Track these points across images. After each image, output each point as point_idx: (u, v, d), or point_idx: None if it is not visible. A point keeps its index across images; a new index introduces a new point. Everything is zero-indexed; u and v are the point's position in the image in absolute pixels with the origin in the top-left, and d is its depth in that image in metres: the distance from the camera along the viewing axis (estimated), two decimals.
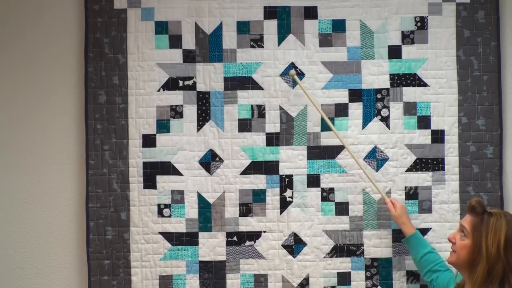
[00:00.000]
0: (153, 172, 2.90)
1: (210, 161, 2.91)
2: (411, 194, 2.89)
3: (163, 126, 2.91)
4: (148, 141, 2.91)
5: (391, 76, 2.91)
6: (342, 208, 2.90)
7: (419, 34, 2.91)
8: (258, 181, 2.91)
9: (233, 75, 2.92)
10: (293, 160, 2.90)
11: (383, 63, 2.91)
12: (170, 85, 2.92)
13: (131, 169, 2.90)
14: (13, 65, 2.97)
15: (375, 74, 2.91)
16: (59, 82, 2.96)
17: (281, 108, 2.91)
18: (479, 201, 2.31)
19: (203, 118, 2.91)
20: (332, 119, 2.90)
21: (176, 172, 2.90)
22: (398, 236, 2.88)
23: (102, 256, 2.88)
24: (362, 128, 2.91)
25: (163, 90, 2.92)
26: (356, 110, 2.91)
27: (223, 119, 2.91)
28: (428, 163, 2.89)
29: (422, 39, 2.91)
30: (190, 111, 2.92)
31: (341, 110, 2.91)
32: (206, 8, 2.92)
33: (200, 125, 2.91)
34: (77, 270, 2.95)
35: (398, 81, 2.91)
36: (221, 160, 2.91)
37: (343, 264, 2.89)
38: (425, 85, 2.91)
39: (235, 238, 2.90)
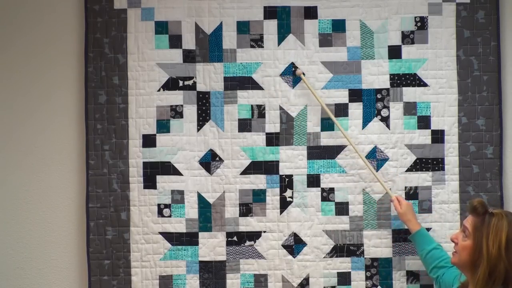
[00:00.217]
0: (153, 172, 2.90)
1: (210, 161, 2.91)
2: (411, 194, 2.89)
3: (163, 126, 2.91)
4: (148, 141, 2.91)
5: (391, 76, 2.91)
6: (342, 208, 2.90)
7: (419, 34, 2.91)
8: (258, 181, 2.91)
9: (233, 75, 2.92)
10: (293, 160, 2.90)
11: (383, 63, 2.91)
12: (170, 85, 2.92)
13: (131, 169, 2.90)
14: (13, 65, 2.97)
15: (375, 74, 2.91)
16: (59, 82, 2.96)
17: (281, 108, 2.91)
18: (481, 202, 2.30)
19: (203, 118, 2.91)
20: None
21: (176, 172, 2.90)
22: (398, 236, 2.88)
23: (102, 256, 2.89)
24: (362, 128, 2.91)
25: (163, 90, 2.92)
26: (356, 110, 2.91)
27: (223, 119, 2.91)
28: (428, 163, 2.89)
29: (422, 39, 2.91)
30: (190, 111, 2.92)
31: (341, 110, 2.91)
32: (206, 8, 2.92)
33: (200, 125, 2.91)
34: (77, 270, 2.95)
35: (398, 81, 2.91)
36: (221, 160, 2.91)
37: (343, 264, 2.89)
38: (425, 85, 2.91)
39: (235, 238, 2.90)
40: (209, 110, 2.92)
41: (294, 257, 2.90)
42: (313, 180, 2.90)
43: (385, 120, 2.91)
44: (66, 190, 2.95)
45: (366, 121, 2.91)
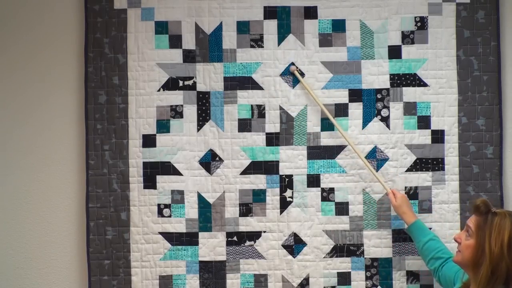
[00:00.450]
0: (153, 172, 2.90)
1: (210, 161, 2.91)
2: (411, 194, 2.89)
3: (163, 126, 2.91)
4: (148, 141, 2.91)
5: (391, 76, 2.91)
6: (342, 208, 2.90)
7: (419, 34, 2.91)
8: (258, 181, 2.91)
9: (233, 75, 2.92)
10: (293, 160, 2.90)
11: (383, 63, 2.91)
12: (170, 85, 2.92)
13: (131, 169, 2.90)
14: (13, 65, 2.97)
15: (375, 74, 2.91)
16: (59, 82, 2.96)
17: (281, 108, 2.92)
18: (484, 201, 2.30)
19: (203, 118, 2.91)
20: None
21: (176, 172, 2.90)
22: (398, 236, 2.88)
23: (102, 256, 2.89)
24: (362, 128, 2.91)
25: (163, 90, 2.92)
26: (356, 110, 2.91)
27: (223, 119, 2.91)
28: (428, 163, 2.89)
29: (422, 39, 2.91)
30: (190, 111, 2.92)
31: (341, 110, 2.91)
32: (206, 8, 2.92)
33: (200, 125, 2.91)
34: (77, 270, 2.95)
35: (398, 81, 2.91)
36: (221, 160, 2.91)
37: (343, 264, 2.89)
38: (425, 85, 2.91)
39: (235, 238, 2.90)
40: (209, 110, 2.92)
41: (294, 257, 2.90)
42: (313, 180, 2.90)
43: (385, 120, 2.91)
44: (66, 190, 2.95)
45: (366, 121, 2.91)
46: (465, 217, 2.81)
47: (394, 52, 2.91)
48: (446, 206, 2.88)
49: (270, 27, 2.92)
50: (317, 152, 2.91)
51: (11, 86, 2.97)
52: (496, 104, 2.89)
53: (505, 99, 2.92)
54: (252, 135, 2.91)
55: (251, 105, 2.92)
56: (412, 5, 2.91)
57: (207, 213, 2.90)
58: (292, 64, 2.90)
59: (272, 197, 2.90)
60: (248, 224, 2.90)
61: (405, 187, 2.89)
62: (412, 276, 2.88)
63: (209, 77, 2.91)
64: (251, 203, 2.91)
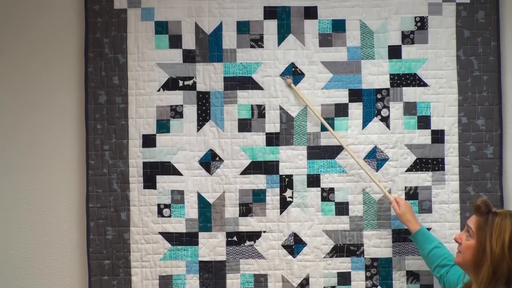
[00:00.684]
0: (153, 172, 2.90)
1: (210, 161, 2.91)
2: (411, 194, 2.89)
3: (163, 126, 2.91)
4: (148, 141, 2.91)
5: (391, 76, 2.91)
6: (342, 208, 2.90)
7: (419, 34, 2.91)
8: (258, 181, 2.91)
9: (233, 75, 2.92)
10: (293, 160, 2.90)
11: (383, 63, 2.91)
12: (170, 85, 2.92)
13: (131, 169, 2.90)
14: (13, 65, 2.97)
15: (375, 74, 2.91)
16: (59, 82, 2.96)
17: (281, 108, 2.91)
18: (484, 201, 2.29)
19: (203, 118, 2.91)
20: (332, 119, 2.90)
21: (176, 172, 2.90)
22: (398, 236, 2.88)
23: (102, 256, 2.89)
24: (362, 128, 2.91)
25: (163, 90, 2.92)
26: (356, 110, 2.91)
27: (223, 119, 2.91)
28: (428, 163, 2.89)
29: (422, 39, 2.91)
30: (190, 111, 2.92)
31: (341, 110, 2.91)
32: (206, 8, 2.92)
33: (200, 125, 2.91)
34: (77, 270, 2.95)
35: (398, 81, 2.91)
36: (221, 160, 2.91)
37: (343, 264, 2.89)
38: (425, 85, 2.91)
39: (235, 238, 2.90)
40: (209, 110, 2.92)
41: (294, 257, 2.90)
42: (313, 180, 2.90)
43: (385, 120, 2.91)
44: (66, 190, 2.95)
45: (366, 121, 2.91)
46: (465, 217, 2.82)
47: (394, 52, 2.91)
48: (446, 206, 2.88)
49: (270, 27, 2.92)
50: (317, 152, 2.91)
51: (11, 86, 2.97)
52: (496, 104, 2.89)
53: (505, 99, 2.92)
54: (252, 135, 2.91)
55: (251, 105, 2.92)
56: (412, 5, 2.91)
57: (207, 213, 2.90)
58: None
59: (272, 197, 2.90)
60: (248, 224, 2.90)
61: (405, 187, 2.89)
62: (412, 276, 2.88)
63: (209, 77, 2.91)
64: (251, 203, 2.91)
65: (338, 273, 2.89)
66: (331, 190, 2.90)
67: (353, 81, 2.91)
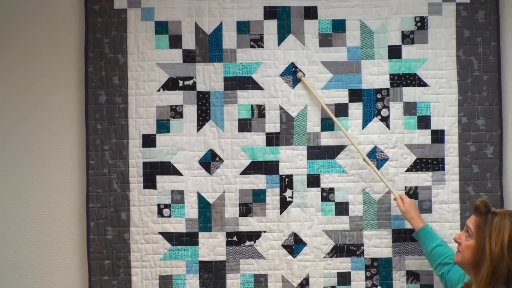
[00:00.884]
0: (153, 172, 2.90)
1: (210, 161, 2.91)
2: (411, 194, 2.89)
3: (163, 126, 2.91)
4: (148, 141, 2.91)
5: (391, 76, 2.91)
6: (342, 208, 2.90)
7: (419, 34, 2.91)
8: (258, 181, 2.91)
9: (233, 75, 2.92)
10: (293, 160, 2.90)
11: (383, 63, 2.91)
12: (170, 85, 2.92)
13: (131, 169, 2.90)
14: (13, 65, 2.97)
15: (375, 74, 2.91)
16: (59, 82, 2.96)
17: (281, 108, 2.92)
18: (483, 201, 2.29)
19: (203, 118, 2.91)
20: (332, 119, 2.90)
21: (176, 172, 2.90)
22: (398, 236, 2.88)
23: (102, 256, 2.89)
24: (362, 128, 2.91)
25: (163, 90, 2.92)
26: (356, 110, 2.91)
27: (223, 119, 2.91)
28: (428, 163, 2.89)
29: (422, 39, 2.91)
30: (190, 111, 2.92)
31: (341, 110, 2.91)
32: (206, 8, 2.92)
33: (200, 125, 2.91)
34: (77, 270, 2.95)
35: (398, 81, 2.91)
36: (221, 160, 2.91)
37: (343, 264, 2.89)
38: (425, 85, 2.91)
39: (235, 238, 2.90)
40: (209, 110, 2.92)
41: (294, 257, 2.90)
42: (313, 180, 2.90)
43: (385, 120, 2.91)
44: (66, 190, 2.95)
45: (366, 121, 2.91)
46: (465, 217, 2.82)
47: (394, 52, 2.91)
48: (446, 206, 2.88)
49: (270, 27, 2.92)
50: (317, 152, 2.91)
51: (11, 86, 2.97)
52: (496, 104, 2.89)
53: (505, 99, 2.92)
54: (252, 135, 2.91)
55: (251, 105, 2.92)
56: (412, 5, 2.91)
57: (207, 213, 2.90)
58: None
59: (272, 197, 2.90)
60: (248, 224, 2.90)
61: (405, 187, 2.89)
62: (412, 276, 2.88)
63: (209, 77, 2.91)
64: (251, 203, 2.91)
65: (338, 273, 2.89)
66: (331, 190, 2.90)
67: (353, 81, 2.91)
